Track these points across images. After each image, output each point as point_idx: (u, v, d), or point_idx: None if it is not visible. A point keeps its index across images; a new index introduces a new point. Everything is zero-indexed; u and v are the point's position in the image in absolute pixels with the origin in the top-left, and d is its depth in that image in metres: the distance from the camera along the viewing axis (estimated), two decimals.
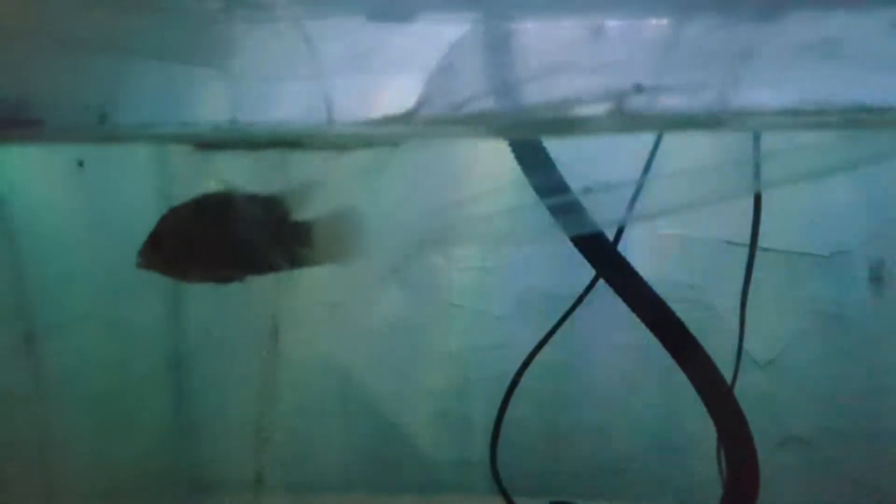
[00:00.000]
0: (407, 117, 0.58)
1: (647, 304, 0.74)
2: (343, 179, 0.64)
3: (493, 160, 0.73)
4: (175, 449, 1.05)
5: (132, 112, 0.75)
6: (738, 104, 0.54)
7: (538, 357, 0.94)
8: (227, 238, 0.66)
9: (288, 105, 0.69)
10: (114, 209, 0.90)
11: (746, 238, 0.87)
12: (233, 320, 0.99)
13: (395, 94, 0.62)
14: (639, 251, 0.90)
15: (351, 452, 1.08)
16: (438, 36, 0.59)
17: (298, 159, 0.67)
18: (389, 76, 0.65)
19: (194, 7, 0.70)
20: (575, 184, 0.64)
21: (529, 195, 0.65)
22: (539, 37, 0.60)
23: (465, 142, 0.69)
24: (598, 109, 0.54)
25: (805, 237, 0.99)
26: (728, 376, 0.78)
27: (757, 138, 0.62)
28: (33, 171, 0.84)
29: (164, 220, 0.66)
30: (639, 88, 0.54)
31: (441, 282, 1.05)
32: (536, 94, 0.56)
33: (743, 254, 0.88)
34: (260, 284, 0.72)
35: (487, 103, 0.57)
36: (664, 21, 0.59)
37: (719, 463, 0.83)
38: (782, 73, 0.55)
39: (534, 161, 0.66)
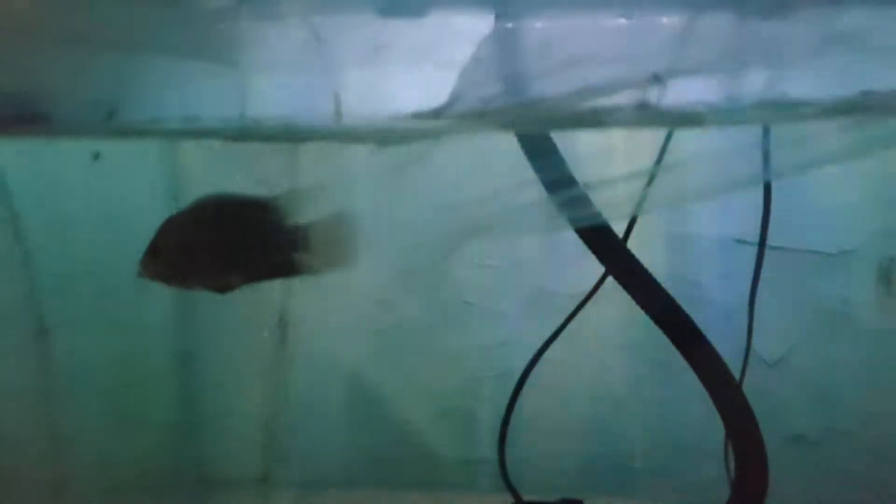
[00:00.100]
0: (435, 113, 0.58)
1: (656, 301, 0.74)
2: (367, 176, 0.64)
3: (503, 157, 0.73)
4: (182, 446, 1.05)
5: (140, 108, 0.75)
6: (753, 97, 0.54)
7: (546, 354, 0.94)
8: (225, 244, 0.66)
9: (297, 100, 0.69)
10: (122, 206, 0.90)
11: (755, 236, 0.86)
12: (240, 318, 0.99)
13: (408, 89, 0.62)
14: (647, 249, 0.90)
15: (358, 450, 1.08)
16: (451, 30, 0.59)
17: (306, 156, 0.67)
18: (401, 71, 0.65)
19: (203, 2, 0.70)
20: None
21: (538, 190, 0.65)
22: (561, 32, 0.60)
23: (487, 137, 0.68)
24: (622, 100, 0.55)
25: (814, 236, 0.99)
26: (736, 375, 0.78)
27: (767, 129, 0.62)
28: (44, 165, 0.84)
29: (163, 229, 0.66)
30: (657, 78, 0.54)
31: (452, 279, 1.05)
32: (559, 86, 0.56)
33: (751, 252, 0.88)
34: (268, 282, 0.72)
35: (512, 98, 0.57)
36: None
37: (726, 461, 0.83)
38: (802, 65, 0.55)
39: (542, 154, 0.66)
